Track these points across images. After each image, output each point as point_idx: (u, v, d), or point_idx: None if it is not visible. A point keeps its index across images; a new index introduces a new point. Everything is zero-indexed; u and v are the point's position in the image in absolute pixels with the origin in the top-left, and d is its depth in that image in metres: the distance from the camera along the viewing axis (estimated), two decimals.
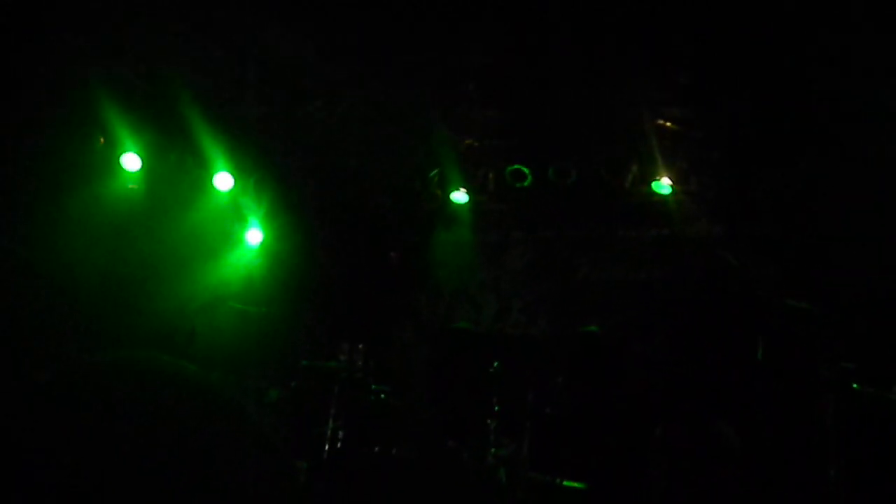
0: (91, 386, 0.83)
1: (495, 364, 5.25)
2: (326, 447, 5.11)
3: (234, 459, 0.81)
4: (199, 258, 6.32)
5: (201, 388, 0.86)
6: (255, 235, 6.57)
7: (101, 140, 6.01)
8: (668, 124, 6.02)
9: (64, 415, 0.81)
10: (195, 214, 6.36)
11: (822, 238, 5.82)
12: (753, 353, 5.25)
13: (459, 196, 6.71)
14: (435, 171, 6.68)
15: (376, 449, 5.06)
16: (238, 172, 6.33)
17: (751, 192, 5.98)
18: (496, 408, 5.10)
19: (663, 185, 6.16)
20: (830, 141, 5.67)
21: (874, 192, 5.62)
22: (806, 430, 4.86)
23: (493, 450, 4.98)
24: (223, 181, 6.29)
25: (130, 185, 6.04)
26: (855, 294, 5.41)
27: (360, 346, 5.45)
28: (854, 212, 5.71)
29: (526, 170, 6.35)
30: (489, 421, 5.08)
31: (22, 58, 5.40)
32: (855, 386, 3.74)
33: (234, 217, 6.49)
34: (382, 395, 5.35)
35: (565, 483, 5.15)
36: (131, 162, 6.03)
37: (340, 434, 5.16)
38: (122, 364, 0.85)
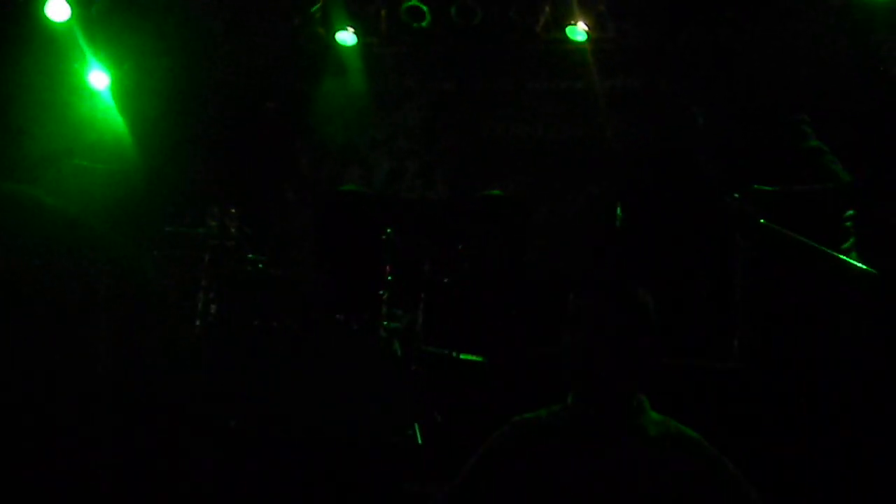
0: None
1: (388, 230, 5.23)
2: (197, 323, 5.03)
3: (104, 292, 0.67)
4: (31, 107, 5.89)
5: (60, 218, 0.70)
6: (99, 78, 6.15)
7: None
8: None
9: None
10: (23, 52, 5.88)
11: (753, 95, 5.94)
12: (666, 212, 5.41)
13: (346, 37, 6.40)
14: (317, 6, 6.33)
15: (255, 323, 5.02)
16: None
17: (675, 42, 6.00)
18: (389, 277, 5.13)
19: (578, 30, 6.04)
20: None
21: (811, 43, 5.74)
22: (719, 286, 5.13)
23: (385, 322, 5.02)
24: (57, 9, 5.80)
25: None
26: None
27: (233, 210, 5.31)
28: (788, 63, 5.83)
29: (424, 7, 6.12)
30: (381, 292, 5.10)
31: None
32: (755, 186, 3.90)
33: (73, 55, 6.04)
34: (260, 265, 5.26)
35: (463, 356, 5.30)
36: None
37: (213, 308, 5.09)
38: None
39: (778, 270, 4.41)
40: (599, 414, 2.25)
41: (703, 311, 5.25)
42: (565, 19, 6.10)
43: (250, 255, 5.28)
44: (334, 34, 6.43)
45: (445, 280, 5.46)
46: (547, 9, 6.17)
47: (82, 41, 5.90)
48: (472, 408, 4.83)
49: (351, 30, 6.43)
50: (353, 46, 6.52)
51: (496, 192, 6.31)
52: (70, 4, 5.74)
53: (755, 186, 4.16)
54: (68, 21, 5.81)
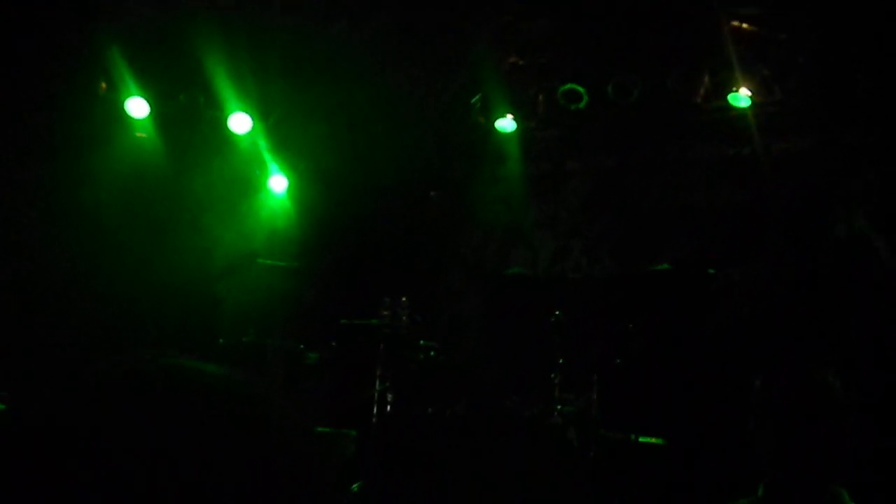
0: (91, 398, 0.75)
1: (556, 312, 5.21)
2: (375, 411, 5.17)
3: (258, 475, 0.73)
4: (218, 211, 6.34)
5: (223, 395, 0.77)
6: (279, 182, 6.56)
7: (104, 86, 6.01)
8: (745, 26, 5.82)
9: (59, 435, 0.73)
10: (211, 163, 6.36)
11: None
12: (858, 285, 5.09)
13: (505, 123, 6.52)
14: (477, 97, 6.51)
15: (429, 410, 5.09)
16: (256, 112, 6.21)
17: (844, 99, 5.75)
18: (559, 360, 5.09)
19: (741, 96, 5.91)
20: None
21: None
22: None
23: (558, 407, 4.96)
24: (239, 123, 6.20)
25: (139, 133, 6.00)
26: None
27: (404, 299, 5.42)
28: None
29: (581, 89, 6.15)
30: (552, 375, 5.06)
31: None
32: None
33: (255, 163, 6.48)
34: (432, 352, 5.34)
35: (642, 440, 5.13)
36: (138, 108, 5.95)
37: (389, 397, 5.20)
38: (125, 370, 0.77)
39: None
40: None
41: None
42: (726, 86, 5.98)
43: (422, 343, 5.39)
44: (494, 121, 6.56)
45: (618, 361, 5.34)
46: (706, 78, 6.07)
47: (263, 149, 6.35)
48: (654, 494, 4.65)
49: (510, 116, 6.53)
50: (512, 132, 6.61)
51: (665, 265, 6.15)
52: (251, 117, 6.20)
53: None
54: (250, 132, 6.28)
